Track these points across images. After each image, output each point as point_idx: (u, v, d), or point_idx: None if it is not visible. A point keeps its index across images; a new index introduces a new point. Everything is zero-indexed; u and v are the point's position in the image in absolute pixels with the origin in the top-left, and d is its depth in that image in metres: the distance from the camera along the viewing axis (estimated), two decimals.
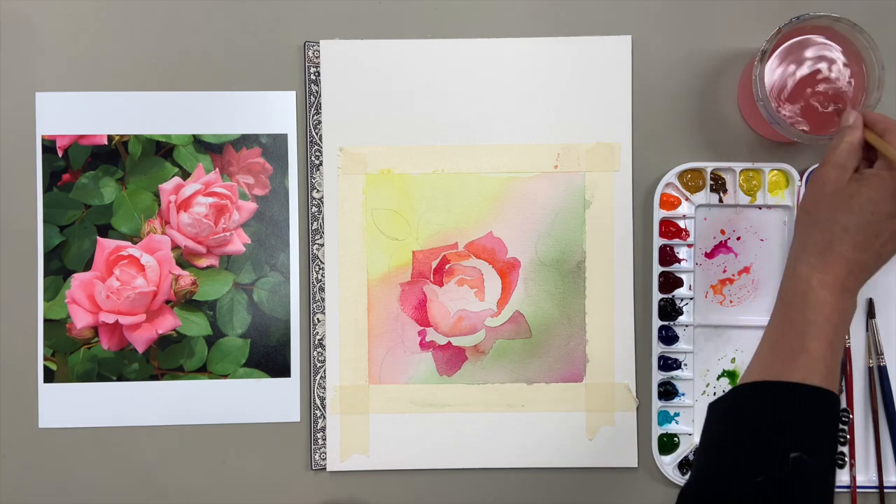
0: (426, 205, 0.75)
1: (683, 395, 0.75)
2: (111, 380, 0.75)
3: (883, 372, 0.74)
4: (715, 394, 0.75)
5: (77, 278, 0.75)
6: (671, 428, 0.74)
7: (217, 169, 0.75)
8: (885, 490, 0.73)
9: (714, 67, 0.75)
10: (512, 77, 0.75)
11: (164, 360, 0.75)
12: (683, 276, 0.74)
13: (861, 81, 0.69)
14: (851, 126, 0.60)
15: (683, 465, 0.74)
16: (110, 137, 0.75)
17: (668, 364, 0.74)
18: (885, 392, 0.74)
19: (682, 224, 0.74)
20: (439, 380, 0.75)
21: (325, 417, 0.75)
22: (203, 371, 0.75)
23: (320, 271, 0.75)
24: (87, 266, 0.75)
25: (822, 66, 0.69)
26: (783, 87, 0.69)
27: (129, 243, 0.75)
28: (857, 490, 0.73)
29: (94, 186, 0.75)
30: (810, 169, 0.73)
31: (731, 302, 0.75)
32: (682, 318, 0.74)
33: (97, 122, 0.75)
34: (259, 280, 0.75)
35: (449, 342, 0.75)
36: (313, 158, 0.75)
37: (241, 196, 0.75)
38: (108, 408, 0.75)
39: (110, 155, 0.75)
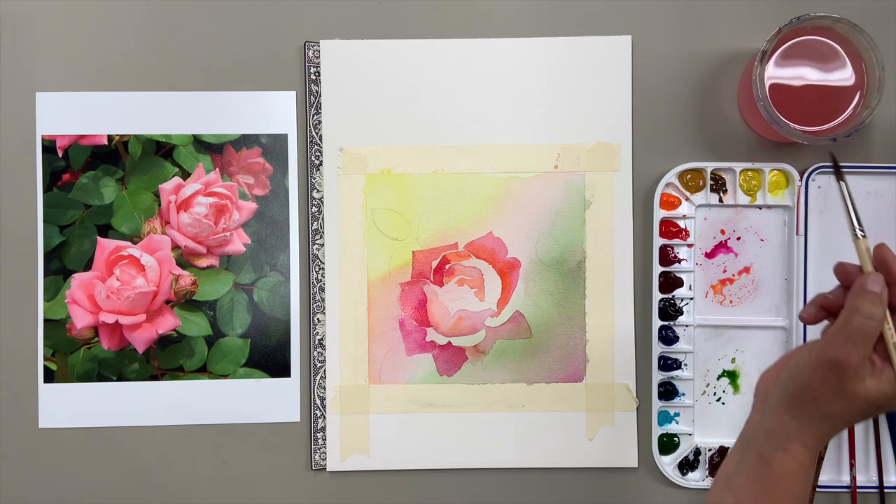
0: (426, 205, 0.75)
1: (683, 395, 0.75)
2: (111, 380, 0.75)
3: None
4: (715, 394, 0.75)
5: (77, 278, 0.75)
6: (671, 428, 0.74)
7: (217, 169, 0.75)
8: (885, 490, 0.73)
9: (714, 67, 0.75)
10: (512, 77, 0.75)
11: (164, 360, 0.75)
12: (683, 276, 0.74)
13: (861, 82, 0.69)
14: (879, 294, 0.54)
15: (683, 466, 0.74)
16: (110, 137, 0.75)
17: (668, 364, 0.74)
18: None
19: (682, 224, 0.74)
20: (439, 380, 0.75)
21: (325, 417, 0.75)
22: (203, 371, 0.75)
23: (320, 271, 0.75)
24: (87, 266, 0.75)
25: (823, 66, 0.69)
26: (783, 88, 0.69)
27: (129, 243, 0.75)
28: (857, 490, 0.73)
29: (94, 186, 0.75)
30: (811, 168, 0.73)
31: (731, 302, 0.75)
32: (682, 318, 0.74)
33: (97, 122, 0.75)
34: (259, 280, 0.75)
35: (449, 342, 0.75)
36: (313, 158, 0.75)
37: (241, 196, 0.75)
38: (108, 408, 0.75)
39: (110, 155, 0.75)
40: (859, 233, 0.57)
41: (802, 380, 0.55)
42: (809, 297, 0.73)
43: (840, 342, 0.54)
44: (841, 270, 0.58)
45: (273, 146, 0.75)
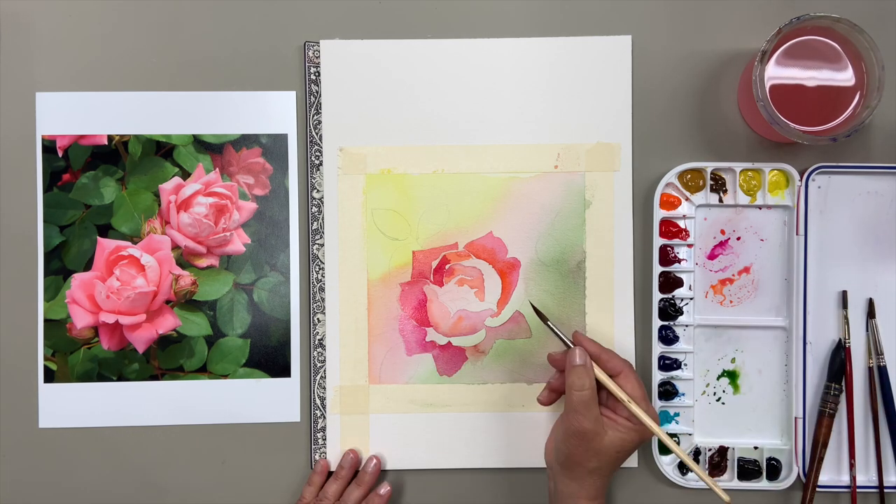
0: (426, 205, 0.75)
1: (683, 395, 0.75)
2: (111, 380, 0.75)
3: (883, 372, 0.74)
4: (715, 394, 0.75)
5: (77, 278, 0.75)
6: (671, 428, 0.74)
7: (217, 169, 0.75)
8: (885, 490, 0.73)
9: (714, 67, 0.75)
10: (512, 77, 0.75)
11: (164, 360, 0.75)
12: (683, 276, 0.74)
13: (861, 82, 0.69)
14: (586, 367, 0.67)
15: (683, 465, 0.74)
16: (110, 137, 0.75)
17: (668, 364, 0.74)
18: (885, 392, 0.74)
19: (682, 224, 0.74)
20: (439, 380, 0.75)
21: (325, 417, 0.75)
22: (203, 371, 0.75)
23: (320, 271, 0.75)
24: (87, 266, 0.75)
25: (823, 66, 0.69)
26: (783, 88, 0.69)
27: (129, 243, 0.75)
28: (857, 490, 0.73)
29: (94, 186, 0.75)
30: (811, 168, 0.73)
31: (731, 302, 0.75)
32: (682, 318, 0.74)
33: (97, 122, 0.75)
34: (259, 280, 0.75)
35: (449, 342, 0.75)
36: (313, 158, 0.75)
37: (241, 196, 0.75)
38: (108, 408, 0.75)
39: (110, 155, 0.75)
40: (569, 343, 0.69)
41: (563, 450, 0.67)
42: (811, 297, 0.73)
43: (572, 416, 0.66)
44: (552, 360, 0.71)
45: (273, 146, 0.75)
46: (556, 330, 0.70)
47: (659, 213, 0.74)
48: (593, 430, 0.65)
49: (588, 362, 0.67)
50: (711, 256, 0.75)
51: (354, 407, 0.75)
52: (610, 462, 0.66)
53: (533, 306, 0.72)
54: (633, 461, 0.75)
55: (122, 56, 0.75)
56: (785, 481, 0.73)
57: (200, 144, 0.75)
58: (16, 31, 0.75)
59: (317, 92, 0.75)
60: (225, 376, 0.75)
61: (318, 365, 0.75)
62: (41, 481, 0.75)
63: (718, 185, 0.74)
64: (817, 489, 0.73)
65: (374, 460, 0.74)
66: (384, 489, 0.73)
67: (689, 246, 0.74)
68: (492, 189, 0.75)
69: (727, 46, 0.75)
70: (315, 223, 0.75)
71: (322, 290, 0.75)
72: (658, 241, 0.74)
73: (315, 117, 0.75)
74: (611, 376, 0.67)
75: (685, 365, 0.74)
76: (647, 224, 0.75)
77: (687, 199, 0.74)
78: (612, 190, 0.75)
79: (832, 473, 0.74)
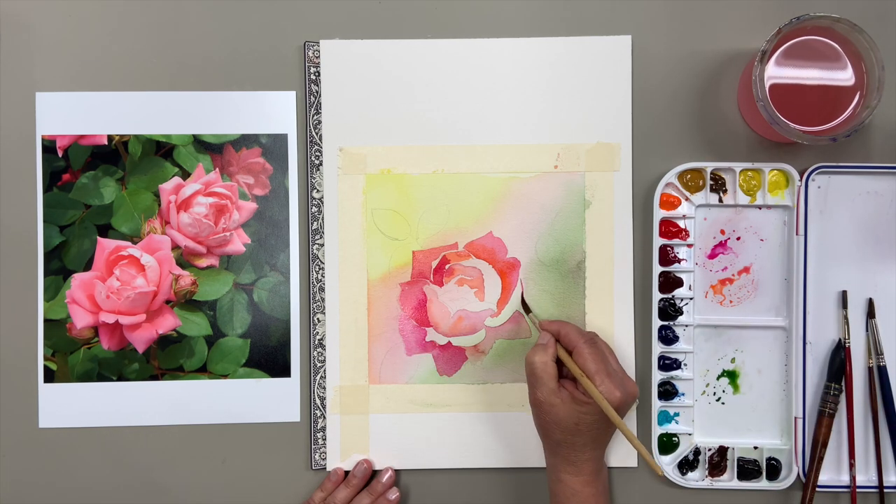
0: (426, 205, 0.75)
1: (683, 395, 0.75)
2: (111, 380, 0.75)
3: (883, 372, 0.74)
4: (714, 394, 0.75)
5: (77, 278, 0.75)
6: (671, 428, 0.74)
7: (217, 169, 0.75)
8: (885, 490, 0.73)
9: (714, 67, 0.75)
10: (512, 77, 0.75)
11: (164, 360, 0.75)
12: (683, 276, 0.74)
13: (861, 82, 0.69)
14: (545, 345, 0.70)
15: (683, 465, 0.74)
16: (110, 137, 0.75)
17: (668, 364, 0.74)
18: (885, 392, 0.74)
19: (682, 224, 0.74)
20: (439, 380, 0.75)
21: (325, 417, 0.75)
22: (203, 371, 0.75)
23: (320, 271, 0.75)
24: (87, 266, 0.75)
25: (822, 66, 0.69)
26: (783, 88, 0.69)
27: (129, 243, 0.75)
28: (857, 490, 0.73)
29: (94, 186, 0.75)
30: (811, 168, 0.73)
31: (731, 302, 0.75)
32: (682, 318, 0.74)
33: (97, 122, 0.75)
34: (259, 280, 0.75)
35: (449, 342, 0.75)
36: (313, 158, 0.75)
37: (241, 196, 0.75)
38: (108, 408, 0.75)
39: (110, 155, 0.75)
40: (533, 317, 0.74)
41: (535, 421, 0.70)
42: (810, 297, 0.73)
43: (530, 388, 0.69)
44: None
45: (273, 146, 0.75)
46: (532, 322, 0.74)
47: (659, 213, 0.74)
48: (548, 402, 0.67)
49: (549, 342, 0.70)
50: (711, 256, 0.75)
51: (354, 407, 0.75)
52: (573, 435, 0.67)
53: (522, 298, 0.74)
54: (633, 461, 0.75)
55: (122, 56, 0.75)
56: (785, 481, 0.74)
57: (200, 144, 0.75)
58: (16, 31, 0.75)
59: (317, 92, 0.75)
60: (225, 376, 0.75)
61: (318, 365, 0.75)
62: (41, 481, 0.75)
63: (718, 185, 0.74)
64: (817, 489, 0.73)
65: (389, 471, 0.74)
66: (394, 495, 0.73)
67: (689, 246, 0.74)
68: (492, 189, 0.75)
69: (727, 46, 0.75)
70: (315, 223, 0.75)
71: (322, 290, 0.75)
72: (658, 241, 0.74)
73: (315, 117, 0.75)
74: (569, 352, 0.69)
75: (685, 365, 0.74)
76: (646, 224, 0.75)
77: (687, 199, 0.74)
78: (612, 190, 0.75)
79: (832, 473, 0.74)
